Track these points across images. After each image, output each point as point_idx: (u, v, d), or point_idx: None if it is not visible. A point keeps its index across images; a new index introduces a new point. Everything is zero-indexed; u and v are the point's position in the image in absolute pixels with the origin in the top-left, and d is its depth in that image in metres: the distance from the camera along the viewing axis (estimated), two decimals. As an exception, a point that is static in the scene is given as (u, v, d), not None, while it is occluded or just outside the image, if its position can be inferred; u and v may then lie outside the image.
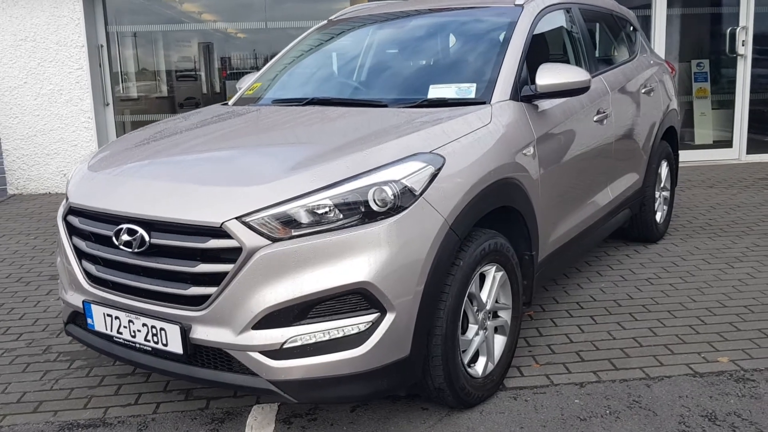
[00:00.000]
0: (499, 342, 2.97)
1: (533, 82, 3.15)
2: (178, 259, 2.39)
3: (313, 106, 3.29)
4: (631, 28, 4.96)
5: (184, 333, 2.37)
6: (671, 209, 5.27)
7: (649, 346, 3.34)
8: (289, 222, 2.30)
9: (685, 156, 8.42)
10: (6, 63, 7.67)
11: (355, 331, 2.32)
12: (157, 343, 2.45)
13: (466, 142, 2.69)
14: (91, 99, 7.74)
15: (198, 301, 2.37)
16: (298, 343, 2.29)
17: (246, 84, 3.98)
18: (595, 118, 3.74)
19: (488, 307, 2.84)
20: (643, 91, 4.54)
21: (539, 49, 3.56)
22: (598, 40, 4.46)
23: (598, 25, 4.58)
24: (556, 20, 3.85)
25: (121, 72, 8.71)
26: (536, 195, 3.10)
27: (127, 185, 2.61)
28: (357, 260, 2.28)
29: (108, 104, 8.10)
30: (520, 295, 3.03)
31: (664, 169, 5.05)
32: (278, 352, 2.30)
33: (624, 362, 3.19)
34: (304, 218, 2.30)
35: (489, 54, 3.34)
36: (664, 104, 4.84)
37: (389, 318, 2.34)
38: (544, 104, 3.30)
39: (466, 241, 2.65)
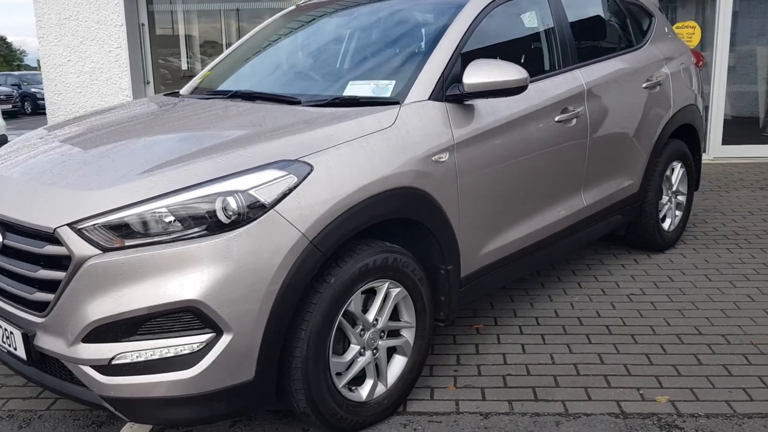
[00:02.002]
0: (398, 363, 2.74)
1: None
2: (25, 263, 2.32)
3: (230, 100, 3.13)
4: (644, 14, 4.47)
5: (27, 338, 2.30)
6: (687, 215, 4.77)
7: (587, 376, 3.01)
8: (123, 231, 2.16)
9: (752, 151, 7.70)
10: (51, 41, 7.93)
11: (188, 351, 2.17)
12: (9, 345, 2.40)
13: (348, 149, 2.45)
14: (129, 77, 7.89)
15: (41, 307, 2.28)
16: (128, 360, 2.17)
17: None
18: (558, 118, 3.37)
19: (379, 326, 2.62)
20: (644, 85, 4.09)
21: (490, 43, 3.24)
22: (585, 29, 4.02)
23: (590, 11, 4.13)
24: (520, 9, 3.50)
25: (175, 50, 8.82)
26: (453, 205, 2.82)
27: None
28: (189, 276, 2.12)
29: (149, 82, 8.25)
30: (429, 312, 2.78)
31: (677, 172, 4.57)
32: (107, 368, 2.18)
33: (549, 392, 2.88)
34: (139, 228, 2.16)
35: (420, 48, 3.06)
36: (676, 99, 4.34)
37: (225, 339, 2.17)
38: (481, 104, 2.99)
39: (344, 257, 2.44)
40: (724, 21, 7.47)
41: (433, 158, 2.72)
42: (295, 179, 2.28)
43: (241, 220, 2.17)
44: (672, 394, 2.83)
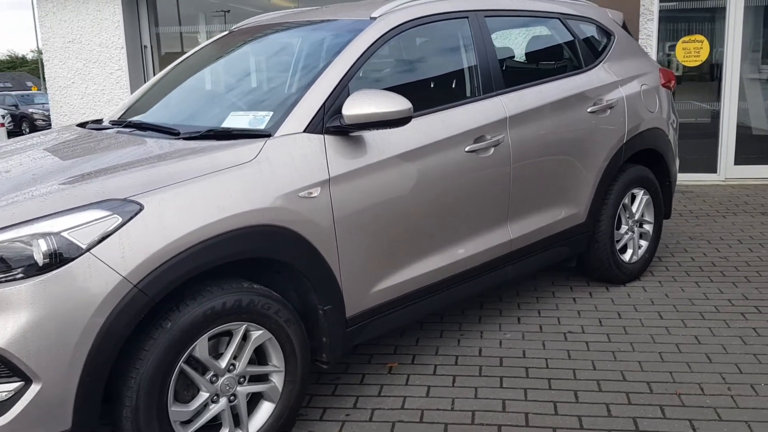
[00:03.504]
0: (265, 410, 2.61)
1: None
2: None
3: (118, 132, 3.06)
4: (601, 33, 4.23)
5: None
6: (655, 245, 4.47)
7: (480, 426, 2.80)
8: None
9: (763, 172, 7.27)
10: (56, 63, 8.13)
11: (-1, 399, 2.09)
12: None
13: (191, 186, 2.34)
14: (130, 99, 8.00)
15: None
16: (-61, 406, 2.11)
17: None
18: (469, 148, 3.19)
19: (237, 372, 2.50)
20: (590, 109, 3.85)
21: (392, 71, 3.11)
22: (517, 54, 3.82)
23: (524, 35, 3.92)
24: (432, 35, 3.33)
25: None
26: (329, 243, 2.67)
27: None
28: (-1, 322, 2.05)
29: (151, 103, 8.34)
30: (301, 356, 2.64)
31: (639, 200, 4.29)
32: None
33: (430, 445, 2.69)
34: None
35: (306, 77, 2.94)
36: (633, 123, 4.08)
37: (34, 389, 2.09)
38: (372, 136, 2.85)
39: (186, 300, 2.33)
40: (733, 34, 7.07)
41: (300, 194, 2.58)
42: (120, 220, 2.18)
43: (53, 263, 2.09)
44: (561, 451, 2.61)
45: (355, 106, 2.70)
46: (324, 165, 2.68)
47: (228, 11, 8.70)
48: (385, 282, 2.96)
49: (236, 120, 2.85)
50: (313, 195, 2.62)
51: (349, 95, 2.77)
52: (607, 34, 4.28)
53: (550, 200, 3.70)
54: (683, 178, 7.29)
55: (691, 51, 7.18)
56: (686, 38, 7.21)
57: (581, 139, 3.80)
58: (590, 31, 4.18)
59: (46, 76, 8.22)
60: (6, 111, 21.68)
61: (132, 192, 2.26)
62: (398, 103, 2.72)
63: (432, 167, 3.04)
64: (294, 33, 3.41)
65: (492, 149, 3.30)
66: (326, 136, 2.74)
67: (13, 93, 27.23)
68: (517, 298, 4.15)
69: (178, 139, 2.77)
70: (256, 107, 2.93)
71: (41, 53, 7.79)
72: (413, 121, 3.01)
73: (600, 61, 4.09)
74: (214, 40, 3.87)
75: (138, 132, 2.98)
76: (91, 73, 8.05)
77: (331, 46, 3.04)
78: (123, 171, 2.40)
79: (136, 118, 3.27)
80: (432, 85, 3.31)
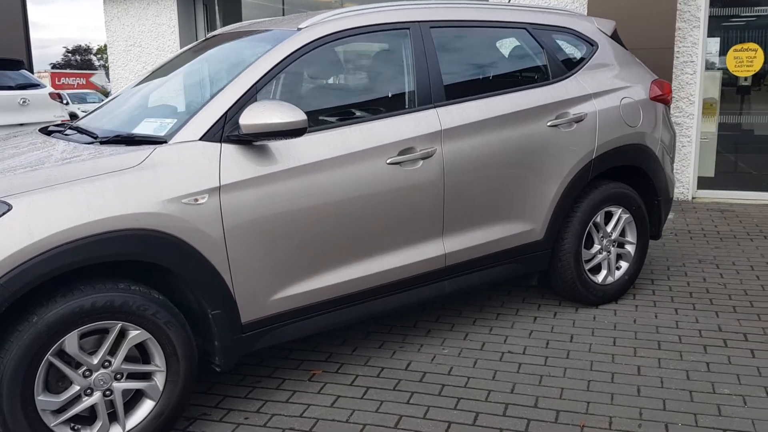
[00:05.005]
0: (145, 407, 2.72)
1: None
2: None
3: (54, 136, 3.25)
4: (581, 43, 4.06)
5: None
6: (638, 267, 4.23)
7: (363, 441, 2.79)
8: None
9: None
10: (120, 66, 8.66)
11: None
12: None
13: (65, 189, 2.48)
14: (182, 100, 8.41)
15: None
16: None
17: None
18: (391, 160, 3.16)
19: (113, 368, 2.62)
20: (550, 123, 3.71)
21: (312, 82, 3.14)
22: (468, 66, 3.70)
23: (479, 46, 3.78)
24: (361, 46, 3.33)
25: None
26: (218, 249, 2.74)
27: None
28: None
29: (205, 104, 8.72)
30: (184, 357, 2.73)
31: (616, 218, 4.08)
32: None
33: (307, 454, 2.71)
34: None
35: (216, 86, 3.01)
36: (605, 138, 3.88)
37: None
38: (278, 146, 2.89)
39: (56, 297, 2.47)
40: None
41: (183, 200, 2.67)
42: None
43: None
44: (428, 473, 2.56)
45: (252, 117, 2.76)
46: (216, 173, 2.75)
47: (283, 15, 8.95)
48: (289, 290, 2.99)
49: (146, 126, 2.98)
50: (199, 202, 2.70)
51: (256, 105, 2.83)
52: (589, 44, 4.10)
53: (496, 215, 3.59)
54: (729, 196, 6.85)
55: (744, 60, 6.71)
56: (738, 46, 6.74)
57: (537, 154, 3.67)
58: (566, 41, 4.02)
59: (110, 77, 8.78)
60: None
61: (5, 193, 2.42)
62: (292, 115, 2.76)
63: (345, 178, 3.04)
64: (234, 43, 3.50)
65: (421, 162, 3.26)
66: (225, 144, 2.81)
67: (68, 91, 26.89)
68: (479, 314, 4.06)
69: (93, 143, 2.92)
70: (172, 114, 3.03)
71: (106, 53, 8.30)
72: (328, 132, 3.06)
73: (573, 73, 3.93)
74: (185, 49, 4.03)
75: (68, 136, 3.16)
76: (149, 75, 8.51)
77: (251, 57, 3.11)
78: (8, 173, 2.57)
79: (83, 122, 3.47)
80: (356, 97, 3.31)
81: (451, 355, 3.54)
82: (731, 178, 7.17)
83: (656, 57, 6.08)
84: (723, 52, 6.92)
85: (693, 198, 6.99)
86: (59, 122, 3.74)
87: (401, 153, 3.21)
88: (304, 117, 2.77)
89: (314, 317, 3.10)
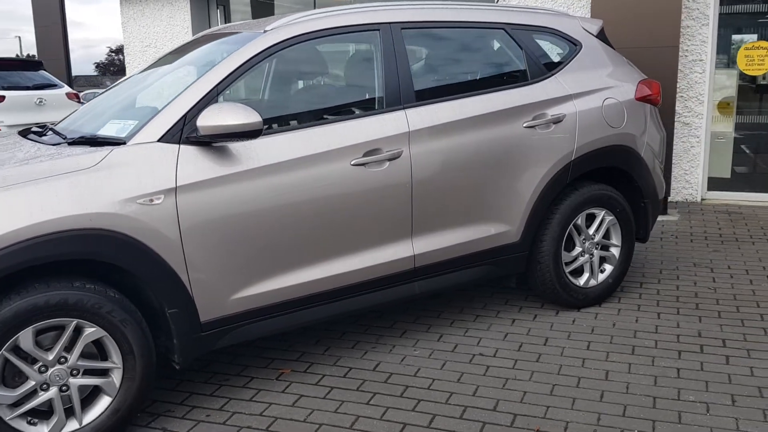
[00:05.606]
0: (102, 403, 2.77)
1: None
2: None
3: (27, 137, 3.33)
4: (564, 43, 4.01)
5: None
6: (623, 270, 4.17)
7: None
8: None
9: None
10: (136, 66, 8.82)
11: None
12: None
13: (18, 189, 2.54)
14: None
15: None
16: None
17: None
18: (355, 161, 3.17)
19: (69, 364, 2.68)
20: (526, 124, 3.68)
21: (278, 84, 3.16)
22: (440, 67, 3.68)
23: (454, 47, 3.75)
24: (328, 48, 3.34)
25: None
26: (174, 249, 2.79)
27: None
28: None
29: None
30: (140, 355, 2.77)
31: (599, 221, 4.02)
32: None
33: (258, 453, 2.74)
34: None
35: (177, 88, 3.06)
36: (585, 139, 3.84)
37: None
38: (237, 148, 2.93)
39: (10, 294, 2.54)
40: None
41: (138, 201, 2.72)
42: None
43: None
44: (372, 474, 2.57)
45: (208, 118, 2.81)
46: (172, 174, 2.80)
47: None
48: (250, 290, 3.03)
49: (110, 128, 3.04)
50: (154, 202, 2.75)
51: (217, 107, 2.87)
52: (572, 44, 4.05)
53: (469, 217, 3.58)
54: (741, 198, 6.70)
55: (755, 59, 6.54)
56: (749, 45, 6.58)
57: (511, 155, 3.64)
58: (547, 41, 3.98)
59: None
60: None
61: (-42, 192, 2.50)
62: (247, 116, 2.79)
63: (306, 179, 3.07)
64: (208, 45, 3.54)
65: (387, 163, 3.27)
66: (183, 146, 2.86)
67: (89, 91, 27.32)
68: (457, 315, 4.04)
69: (60, 144, 3.00)
70: (138, 116, 3.09)
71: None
72: (291, 134, 3.09)
73: (553, 74, 3.89)
74: (168, 51, 4.09)
75: (41, 138, 3.24)
76: (163, 75, 8.65)
77: (216, 59, 3.15)
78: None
79: (62, 124, 3.55)
80: (322, 99, 3.33)
81: (422, 356, 3.54)
82: (747, 179, 7.00)
83: (660, 55, 5.97)
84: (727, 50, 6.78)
85: (702, 200, 6.85)
86: (43, 124, 3.82)
87: (366, 154, 3.22)
88: (258, 119, 2.80)
89: (277, 317, 3.13)
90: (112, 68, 58.38)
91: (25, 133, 3.47)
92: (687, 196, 6.82)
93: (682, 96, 6.62)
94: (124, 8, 8.71)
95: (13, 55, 48.69)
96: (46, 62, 9.79)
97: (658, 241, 5.47)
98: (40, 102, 7.69)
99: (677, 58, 5.99)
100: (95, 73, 59.87)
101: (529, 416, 2.93)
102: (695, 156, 6.74)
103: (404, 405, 3.06)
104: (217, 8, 8.63)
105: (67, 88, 8.36)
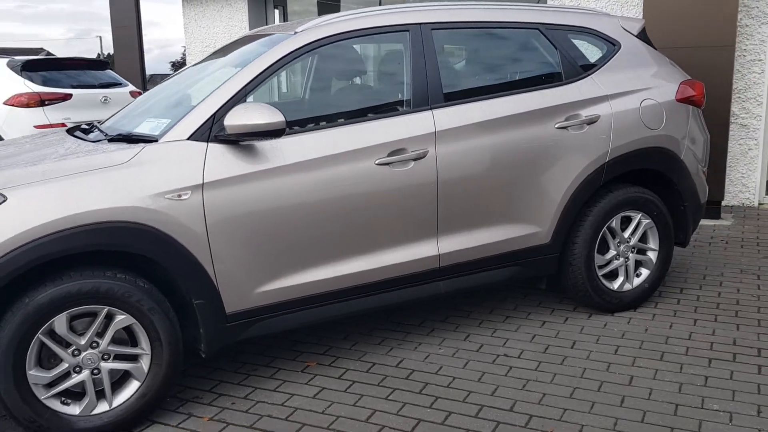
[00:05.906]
0: (131, 387, 2.92)
1: None
2: None
3: (73, 135, 3.51)
4: (602, 43, 3.96)
5: None
6: (660, 275, 4.08)
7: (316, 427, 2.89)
8: None
9: None
10: (196, 65, 9.10)
11: None
12: None
13: (57, 184, 2.71)
14: (251, 98, 8.75)
15: None
16: None
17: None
18: (379, 161, 3.23)
19: (100, 349, 2.83)
20: (559, 124, 3.66)
21: (308, 84, 3.25)
22: (471, 68, 3.68)
23: (484, 47, 3.74)
24: (358, 49, 3.41)
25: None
26: (200, 242, 2.91)
27: None
28: None
29: (274, 102, 9.05)
30: (168, 342, 2.90)
31: (635, 224, 3.96)
32: None
33: (275, 441, 2.84)
34: None
35: (210, 87, 3.18)
36: (620, 140, 3.78)
37: None
38: (265, 146, 3.04)
39: (46, 281, 2.71)
40: None
41: (167, 196, 2.85)
42: None
43: None
44: (381, 467, 2.63)
45: (235, 118, 2.92)
46: (200, 170, 2.92)
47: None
48: (275, 284, 3.12)
49: (145, 125, 3.19)
50: (182, 198, 2.88)
51: (248, 106, 2.98)
52: (610, 44, 3.99)
53: (497, 217, 3.59)
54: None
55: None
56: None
57: (542, 156, 3.62)
58: (584, 41, 3.94)
59: (187, 76, 9.25)
60: None
61: (3, 186, 2.68)
62: (271, 116, 2.89)
63: (329, 178, 3.14)
64: (246, 46, 3.65)
65: (412, 163, 3.31)
66: (212, 144, 2.98)
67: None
68: (488, 315, 4.05)
69: (100, 141, 3.17)
70: (169, 114, 3.22)
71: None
72: (318, 133, 3.17)
73: (589, 74, 3.84)
74: (213, 52, 4.24)
75: (86, 135, 3.42)
76: (222, 74, 8.91)
77: (250, 59, 3.26)
78: (15, 167, 2.84)
79: (108, 122, 3.74)
80: (350, 99, 3.39)
81: (446, 354, 3.57)
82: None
83: (716, 55, 5.79)
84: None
85: (760, 204, 6.60)
86: (90, 122, 4.02)
87: (391, 154, 3.27)
88: (282, 119, 2.90)
89: (300, 311, 3.22)
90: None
91: (72, 130, 3.67)
92: (744, 200, 6.59)
93: (739, 97, 6.40)
94: (185, 9, 9.01)
95: (95, 55, 51.04)
96: (122, 62, 10.20)
97: (706, 246, 5.32)
98: (105, 100, 8.04)
99: (732, 57, 5.80)
100: (170, 72, 62.05)
101: (544, 418, 2.93)
102: (753, 159, 6.51)
103: (422, 401, 3.10)
104: (275, 9, 8.83)
105: (131, 87, 8.70)
